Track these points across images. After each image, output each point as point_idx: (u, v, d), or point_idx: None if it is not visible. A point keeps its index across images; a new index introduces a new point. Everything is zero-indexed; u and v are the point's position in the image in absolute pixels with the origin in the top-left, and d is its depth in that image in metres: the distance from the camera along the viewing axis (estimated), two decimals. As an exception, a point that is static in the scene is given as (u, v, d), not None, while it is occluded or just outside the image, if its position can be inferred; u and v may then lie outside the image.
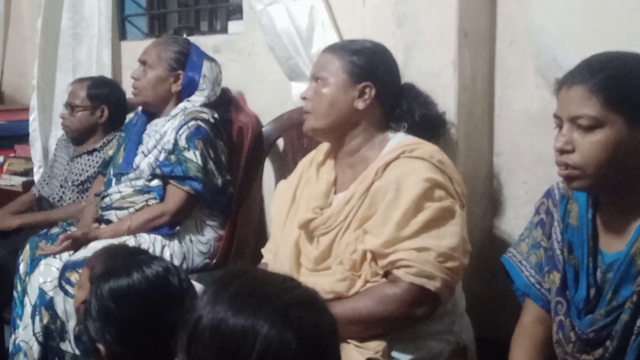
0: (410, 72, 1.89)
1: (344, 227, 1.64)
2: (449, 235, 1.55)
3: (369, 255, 1.57)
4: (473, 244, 1.65)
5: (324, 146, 1.81)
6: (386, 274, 1.57)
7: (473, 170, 1.97)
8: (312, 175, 1.79)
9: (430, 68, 1.93)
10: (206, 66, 2.39)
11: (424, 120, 1.75)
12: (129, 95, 2.57)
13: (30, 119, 3.15)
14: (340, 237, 1.64)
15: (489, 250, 1.99)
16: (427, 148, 1.64)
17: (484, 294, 1.99)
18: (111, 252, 1.61)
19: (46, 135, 3.17)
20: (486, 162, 2.03)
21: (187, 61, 2.38)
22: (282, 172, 2.27)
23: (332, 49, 1.76)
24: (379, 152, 1.68)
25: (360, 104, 1.69)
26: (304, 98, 1.75)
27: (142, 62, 2.39)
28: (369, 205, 1.61)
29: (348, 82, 1.68)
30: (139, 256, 1.40)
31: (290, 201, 1.80)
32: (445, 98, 1.87)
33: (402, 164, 1.61)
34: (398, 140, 1.69)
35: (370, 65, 1.70)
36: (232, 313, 0.95)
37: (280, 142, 2.49)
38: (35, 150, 3.13)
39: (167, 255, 2.24)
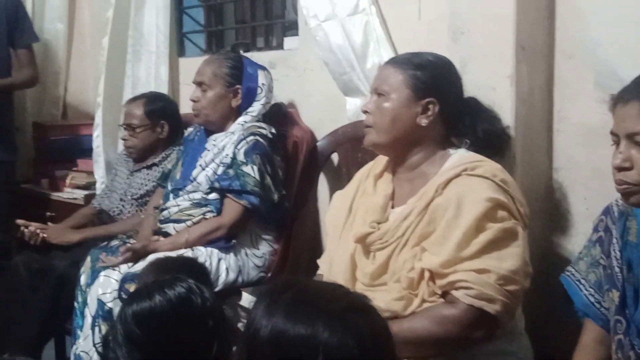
0: (466, 87, 1.88)
1: (401, 243, 1.62)
2: (511, 258, 1.52)
3: (426, 274, 1.55)
4: (532, 261, 1.61)
5: (382, 158, 1.80)
6: (444, 294, 1.55)
7: (531, 186, 1.94)
8: (369, 187, 1.78)
9: (486, 82, 1.91)
10: (261, 75, 2.43)
11: (487, 136, 1.72)
12: (187, 110, 2.62)
13: (94, 135, 3.22)
14: (398, 253, 1.62)
15: (548, 268, 1.95)
16: (489, 166, 1.61)
17: (543, 313, 1.94)
18: (159, 266, 1.63)
19: (110, 151, 3.24)
20: (545, 177, 1.99)
21: (242, 74, 2.41)
22: (337, 186, 2.27)
23: (394, 62, 1.74)
24: (439, 168, 1.66)
25: (423, 120, 1.66)
26: (365, 111, 1.74)
27: (199, 83, 2.42)
28: (428, 222, 1.58)
29: (411, 97, 1.66)
30: (188, 269, 1.41)
31: (346, 213, 1.78)
32: (502, 112, 1.84)
33: (464, 181, 1.58)
34: (459, 156, 1.66)
35: (434, 80, 1.68)
36: (290, 323, 0.96)
37: (335, 157, 2.49)
38: (99, 166, 3.20)
39: (223, 268, 2.26)
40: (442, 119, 1.69)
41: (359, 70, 2.25)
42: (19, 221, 2.70)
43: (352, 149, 2.35)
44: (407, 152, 1.71)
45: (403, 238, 1.62)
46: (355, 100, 2.30)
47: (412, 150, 1.70)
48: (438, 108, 1.67)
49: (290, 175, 2.46)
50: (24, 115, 3.61)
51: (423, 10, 2.16)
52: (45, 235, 2.64)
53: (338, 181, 2.44)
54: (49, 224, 2.78)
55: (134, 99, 2.80)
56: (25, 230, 2.65)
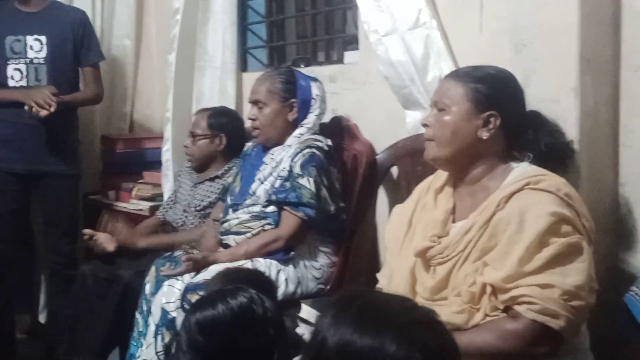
0: (528, 99, 1.85)
1: (462, 257, 1.61)
2: (575, 273, 1.48)
3: (488, 289, 1.53)
4: (597, 277, 1.57)
5: (442, 172, 1.79)
6: (506, 309, 1.52)
7: (596, 200, 1.89)
8: (430, 202, 1.77)
9: (550, 95, 1.88)
10: (314, 87, 2.46)
11: (550, 150, 1.69)
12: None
13: (164, 149, 3.29)
14: (459, 267, 1.61)
15: (614, 285, 1.89)
16: (553, 180, 1.58)
17: (609, 330, 1.89)
18: (227, 276, 1.67)
19: (178, 164, 3.31)
20: (611, 192, 1.94)
21: (295, 88, 2.44)
22: (396, 199, 2.27)
23: (455, 76, 1.73)
24: (501, 182, 1.64)
25: (484, 134, 1.65)
26: (424, 125, 1.74)
27: (255, 102, 2.46)
28: (490, 236, 1.57)
29: (472, 110, 1.65)
30: (254, 280, 1.43)
31: (406, 227, 1.78)
32: (566, 126, 1.81)
33: (527, 195, 1.56)
34: (522, 170, 1.64)
35: (495, 93, 1.66)
36: (358, 335, 0.96)
37: (394, 170, 2.49)
38: (167, 179, 3.26)
39: (282, 279, 2.29)
40: (504, 132, 1.67)
41: (419, 84, 2.25)
42: (86, 230, 2.80)
43: (411, 162, 2.34)
44: (468, 166, 1.69)
45: (464, 252, 1.61)
46: (415, 114, 2.30)
47: (473, 163, 1.68)
48: (499, 121, 1.65)
49: (349, 189, 2.47)
50: (93, 129, 3.72)
51: (484, 23, 2.15)
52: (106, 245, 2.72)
53: (397, 195, 2.43)
54: (118, 225, 2.86)
55: (203, 110, 2.90)
56: (94, 240, 2.74)
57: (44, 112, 2.81)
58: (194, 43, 3.24)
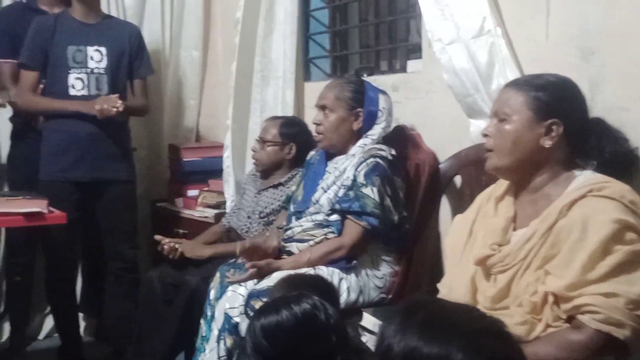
0: (596, 108, 1.82)
1: (523, 266, 1.59)
2: None
3: (550, 298, 1.51)
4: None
5: (503, 180, 1.77)
6: (569, 319, 1.50)
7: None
8: (490, 210, 1.75)
9: (618, 103, 1.84)
10: (382, 99, 2.46)
11: (614, 157, 1.66)
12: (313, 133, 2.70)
13: (225, 156, 3.36)
14: (520, 276, 1.59)
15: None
16: (617, 187, 1.55)
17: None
18: (290, 282, 1.69)
19: (238, 171, 3.36)
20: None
21: (364, 98, 2.45)
22: (460, 209, 2.25)
23: (514, 85, 1.72)
24: (564, 190, 1.61)
25: (546, 142, 1.63)
26: (485, 135, 1.73)
27: (322, 107, 2.48)
28: (552, 244, 1.54)
29: (533, 119, 1.63)
30: (317, 287, 1.44)
31: (466, 236, 1.77)
32: (636, 134, 1.76)
33: (589, 203, 1.53)
34: (585, 178, 1.61)
35: (557, 101, 1.64)
36: (424, 342, 0.96)
37: (458, 179, 2.47)
38: (229, 185, 3.32)
39: (344, 288, 2.30)
40: (567, 140, 1.64)
41: (484, 92, 2.23)
42: (157, 237, 2.87)
43: (475, 171, 2.32)
44: (530, 175, 1.67)
45: (525, 261, 1.59)
46: (479, 123, 2.28)
47: (535, 172, 1.67)
48: (562, 129, 1.63)
49: (412, 198, 2.46)
50: (160, 138, 3.83)
51: (551, 30, 2.11)
52: (180, 249, 2.78)
53: (461, 204, 2.41)
54: (183, 240, 2.94)
55: (275, 118, 2.95)
56: (165, 245, 2.81)
57: (114, 111, 2.89)
58: (254, 52, 3.29)
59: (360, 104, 2.45)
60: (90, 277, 3.46)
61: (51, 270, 3.22)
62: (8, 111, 3.31)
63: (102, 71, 3.05)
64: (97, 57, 3.04)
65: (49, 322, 3.62)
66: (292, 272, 2.21)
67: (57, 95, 3.03)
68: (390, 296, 2.39)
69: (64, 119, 3.00)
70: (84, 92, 3.02)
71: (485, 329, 0.98)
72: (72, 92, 3.02)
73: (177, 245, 2.78)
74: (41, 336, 3.63)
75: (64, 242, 3.08)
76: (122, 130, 3.19)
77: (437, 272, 2.43)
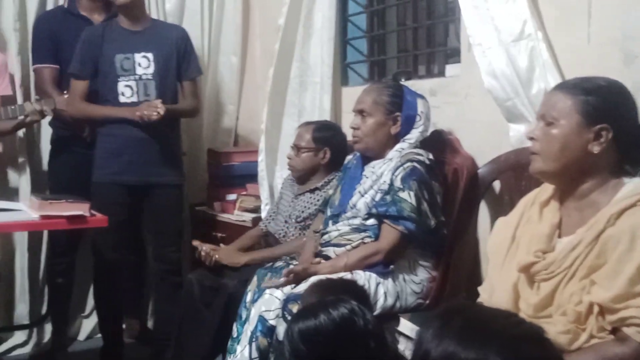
0: None
1: (568, 274, 1.56)
2: None
3: (595, 309, 1.48)
4: None
5: (548, 185, 1.74)
6: (614, 331, 1.47)
7: None
8: (534, 215, 1.72)
9: (664, 108, 1.80)
10: (420, 104, 2.46)
11: None
12: (349, 137, 2.70)
13: (259, 159, 3.38)
14: (564, 285, 1.56)
15: None
16: None
17: None
18: (321, 287, 1.69)
19: (272, 175, 3.39)
20: None
21: (402, 102, 2.45)
22: (499, 214, 2.22)
23: (563, 88, 1.68)
24: (612, 197, 1.58)
25: (595, 148, 1.59)
26: (530, 138, 1.70)
27: (360, 111, 2.48)
28: (599, 254, 1.51)
29: (582, 123, 1.60)
30: (349, 291, 1.44)
31: (509, 240, 1.74)
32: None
33: (639, 212, 1.50)
34: (634, 185, 1.58)
35: (607, 106, 1.60)
36: (461, 347, 0.96)
37: (497, 185, 2.45)
38: (263, 189, 3.34)
39: (381, 292, 2.29)
40: (616, 145, 1.60)
41: (524, 96, 2.21)
42: (195, 242, 2.90)
43: (515, 176, 2.30)
44: (577, 180, 1.64)
45: (571, 269, 1.56)
46: (519, 127, 2.25)
47: (582, 178, 1.63)
48: (611, 134, 1.59)
49: (450, 203, 2.45)
50: (200, 142, 3.87)
51: (592, 34, 2.08)
52: (217, 256, 2.81)
53: (500, 210, 2.38)
54: (221, 245, 2.96)
55: (308, 123, 2.95)
56: (202, 251, 2.84)
57: (154, 116, 2.94)
58: (292, 58, 3.31)
59: (398, 108, 2.44)
60: (133, 278, 3.51)
61: (99, 272, 3.28)
62: (48, 116, 3.39)
63: (149, 77, 3.10)
64: (144, 63, 3.10)
65: (89, 324, 3.68)
66: (325, 276, 2.21)
67: (109, 103, 3.10)
68: (427, 301, 2.38)
69: (117, 123, 3.06)
70: (134, 99, 3.08)
71: (524, 335, 0.97)
72: (122, 99, 3.08)
73: (212, 252, 2.81)
74: (82, 337, 3.69)
75: (112, 244, 3.14)
76: (173, 135, 3.24)
77: (475, 278, 2.41)
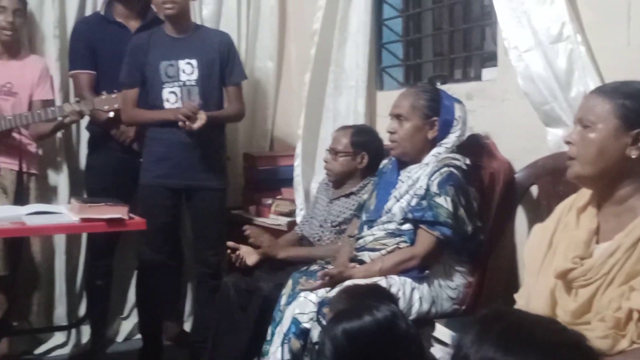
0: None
1: (607, 281, 1.54)
2: None
3: (635, 315, 1.46)
4: None
5: (586, 191, 1.72)
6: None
7: None
8: (572, 221, 1.70)
9: None
10: (457, 108, 2.44)
11: None
12: (385, 142, 2.69)
13: (295, 164, 3.40)
14: (603, 291, 1.54)
15: None
16: None
17: None
18: (350, 293, 1.69)
19: (308, 180, 3.40)
20: None
21: (439, 107, 2.43)
22: (536, 220, 2.20)
23: (600, 91, 1.67)
24: None
25: (633, 152, 1.57)
26: (568, 142, 1.69)
27: (396, 116, 2.47)
28: (637, 260, 1.49)
29: (620, 127, 1.58)
30: (378, 296, 1.44)
31: (546, 246, 1.72)
32: None
33: None
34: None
35: None
36: (501, 353, 0.95)
37: (534, 189, 2.42)
38: (299, 194, 3.36)
39: (416, 298, 2.28)
40: None
41: (562, 100, 2.18)
42: (230, 243, 2.93)
43: (552, 181, 2.27)
44: (615, 185, 1.62)
45: (609, 276, 1.54)
46: (557, 131, 2.23)
47: (620, 183, 1.61)
48: None
49: (486, 208, 2.42)
50: (236, 146, 3.90)
51: (632, 36, 2.05)
52: (246, 259, 2.83)
53: (537, 215, 2.35)
54: (265, 234, 2.97)
55: (345, 127, 2.95)
56: (233, 254, 2.86)
57: (196, 125, 2.98)
58: (328, 63, 3.32)
59: (436, 113, 2.43)
60: (172, 282, 3.55)
61: (142, 274, 3.33)
62: (85, 120, 3.45)
63: (193, 83, 3.14)
64: (188, 69, 3.14)
65: (127, 325, 3.73)
66: (355, 281, 2.21)
67: (154, 109, 3.15)
68: (463, 307, 2.36)
69: (164, 128, 3.11)
70: (178, 105, 3.12)
71: (566, 342, 0.95)
72: (166, 105, 3.14)
73: (243, 251, 2.82)
74: (120, 339, 3.74)
75: (157, 246, 3.19)
76: (217, 140, 3.28)
77: (512, 284, 2.39)
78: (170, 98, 3.13)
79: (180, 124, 3.00)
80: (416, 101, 2.44)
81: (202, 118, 2.98)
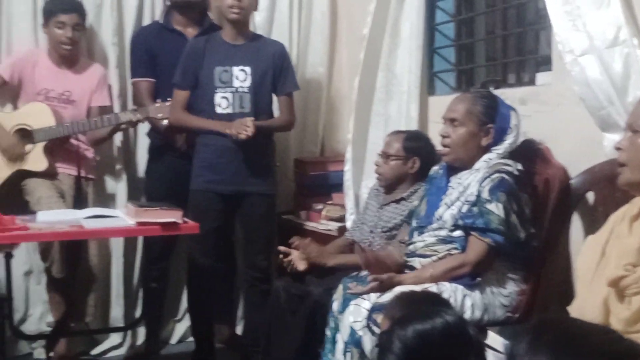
0: None
1: (661, 288, 1.51)
2: None
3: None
4: None
5: (638, 199, 1.69)
6: None
7: None
8: (624, 230, 1.67)
9: None
10: (513, 116, 2.41)
11: None
12: (437, 147, 2.68)
13: (345, 169, 3.41)
14: (657, 298, 1.51)
15: None
16: None
17: None
18: (407, 299, 1.68)
19: (358, 185, 3.40)
20: None
21: (495, 114, 2.40)
22: (592, 227, 2.16)
23: None
24: None
25: None
26: (618, 149, 1.65)
27: (451, 120, 2.44)
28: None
29: None
30: (435, 304, 1.44)
31: (598, 256, 1.69)
32: None
33: None
34: None
35: None
36: None
37: (590, 196, 2.37)
38: (349, 199, 3.36)
39: (468, 305, 2.26)
40: None
41: (619, 105, 2.13)
42: (281, 248, 2.95)
43: (609, 188, 2.21)
44: None
45: (663, 283, 1.50)
46: (613, 137, 2.18)
47: None
48: None
49: (540, 215, 2.38)
50: (287, 152, 3.93)
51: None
52: (297, 263, 2.84)
53: (594, 222, 2.31)
54: (312, 243, 2.98)
55: (397, 132, 2.94)
56: (284, 259, 2.88)
57: (242, 136, 3.02)
58: (377, 67, 3.31)
59: (492, 120, 2.39)
60: (223, 285, 3.60)
61: (193, 277, 3.39)
62: (146, 127, 3.53)
63: (245, 90, 3.18)
64: (241, 76, 3.19)
65: (181, 327, 3.80)
66: (411, 287, 2.20)
67: (205, 113, 3.20)
68: (517, 315, 2.32)
69: (214, 134, 3.16)
70: (229, 110, 3.17)
71: (624, 352, 0.93)
72: (218, 110, 3.18)
73: (294, 256, 2.84)
74: (174, 341, 3.80)
75: (207, 250, 3.24)
76: (267, 146, 3.31)
77: (566, 292, 2.34)
78: (222, 103, 3.18)
79: (227, 130, 3.04)
80: (472, 106, 2.41)
81: (250, 130, 3.01)
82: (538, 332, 0.98)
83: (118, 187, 3.66)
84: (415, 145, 2.83)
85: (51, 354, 3.39)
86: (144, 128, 3.59)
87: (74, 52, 3.41)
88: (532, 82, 2.81)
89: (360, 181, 3.39)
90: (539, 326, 1.00)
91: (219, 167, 3.18)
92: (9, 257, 2.85)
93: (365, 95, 3.36)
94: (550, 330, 0.97)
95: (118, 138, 3.61)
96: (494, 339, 1.99)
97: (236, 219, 3.33)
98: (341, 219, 3.40)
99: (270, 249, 3.30)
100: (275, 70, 3.25)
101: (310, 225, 3.54)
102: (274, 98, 3.33)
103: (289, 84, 3.31)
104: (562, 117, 2.51)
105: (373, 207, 2.94)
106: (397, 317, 1.46)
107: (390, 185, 2.87)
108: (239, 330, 3.77)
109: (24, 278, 3.56)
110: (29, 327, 3.56)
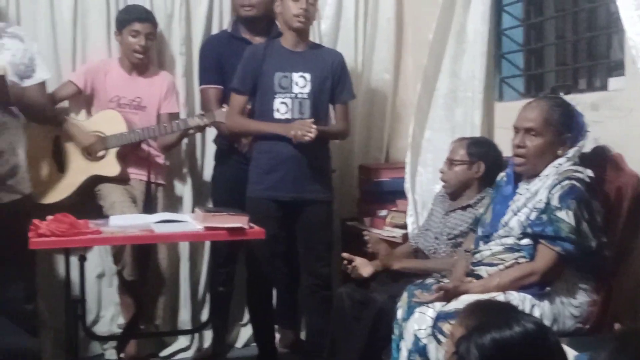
0: None
1: None
2: None
3: None
4: None
5: None
6: None
7: None
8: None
9: None
10: (586, 124, 2.35)
11: None
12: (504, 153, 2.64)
13: (405, 174, 3.39)
14: None
15: None
16: None
17: None
18: (482, 307, 1.66)
19: (417, 190, 3.37)
20: None
21: (572, 123, 2.35)
22: (667, 237, 2.09)
23: None
24: None
25: None
26: None
27: (527, 130, 2.36)
28: None
29: None
30: (512, 312, 1.41)
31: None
32: None
33: None
34: None
35: None
36: None
37: (666, 204, 2.29)
38: (410, 205, 3.34)
39: (536, 315, 2.20)
40: None
41: (696, 110, 2.06)
42: (345, 254, 2.95)
43: (686, 196, 2.14)
44: None
45: None
46: (690, 143, 2.11)
47: None
48: None
49: (612, 224, 2.32)
50: (352, 158, 3.94)
51: None
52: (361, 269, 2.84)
53: (669, 231, 2.23)
54: (382, 243, 2.98)
55: (462, 138, 2.93)
56: (349, 265, 2.88)
57: (307, 137, 3.04)
58: (439, 72, 3.29)
59: (568, 129, 2.33)
60: (287, 290, 3.63)
61: (252, 283, 3.43)
62: (213, 133, 3.60)
63: (305, 96, 3.21)
64: (301, 82, 3.22)
65: (246, 332, 3.84)
66: (480, 296, 2.17)
67: (263, 118, 3.23)
68: (587, 326, 2.26)
69: (272, 141, 3.19)
70: (288, 116, 3.19)
71: None
72: (276, 115, 3.21)
73: (358, 263, 2.84)
74: (239, 344, 3.85)
75: (265, 257, 3.27)
76: (323, 153, 3.33)
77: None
78: (281, 108, 3.20)
79: (292, 132, 3.06)
80: (550, 115, 2.33)
81: (314, 132, 3.03)
82: (621, 343, 0.95)
83: (185, 192, 3.73)
84: (480, 150, 2.80)
85: (122, 355, 3.48)
86: (210, 135, 3.65)
87: (145, 61, 3.51)
88: (604, 87, 2.74)
89: (416, 186, 3.36)
90: (622, 336, 0.97)
91: (276, 175, 3.20)
92: (82, 260, 2.94)
93: (426, 100, 3.34)
94: (635, 341, 0.94)
95: (184, 144, 3.69)
96: (565, 351, 1.94)
97: (295, 226, 3.35)
98: (405, 225, 3.38)
99: (329, 255, 3.31)
100: (333, 79, 3.27)
101: (374, 231, 3.52)
102: (330, 107, 3.35)
103: (347, 93, 3.32)
104: (635, 123, 2.44)
105: (438, 214, 2.92)
106: (473, 325, 1.44)
107: (455, 192, 2.85)
108: (302, 335, 3.79)
109: (97, 280, 3.66)
110: (100, 329, 3.67)
